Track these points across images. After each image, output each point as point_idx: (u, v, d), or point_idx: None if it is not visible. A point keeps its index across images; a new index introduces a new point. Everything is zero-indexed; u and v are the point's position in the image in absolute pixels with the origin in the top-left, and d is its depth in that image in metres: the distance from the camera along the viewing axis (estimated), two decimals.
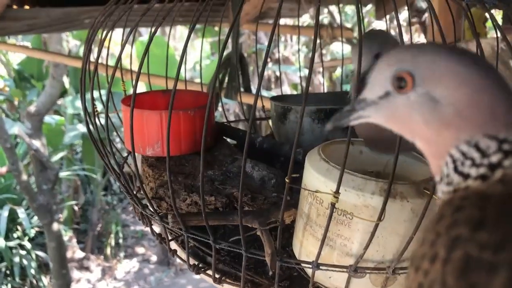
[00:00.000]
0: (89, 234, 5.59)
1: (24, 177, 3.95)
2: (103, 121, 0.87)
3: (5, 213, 4.58)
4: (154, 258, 5.65)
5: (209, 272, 0.74)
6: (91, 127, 0.87)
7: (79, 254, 5.46)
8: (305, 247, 0.68)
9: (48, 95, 4.03)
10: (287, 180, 0.59)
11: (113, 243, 5.65)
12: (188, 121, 0.93)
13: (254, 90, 2.79)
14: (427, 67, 0.41)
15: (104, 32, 0.87)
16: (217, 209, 0.75)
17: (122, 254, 5.67)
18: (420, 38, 5.56)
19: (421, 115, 0.41)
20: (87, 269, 5.41)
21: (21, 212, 4.70)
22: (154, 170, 0.90)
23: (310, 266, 0.63)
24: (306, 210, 0.69)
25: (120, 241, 5.77)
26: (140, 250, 5.84)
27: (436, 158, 0.43)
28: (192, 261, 0.75)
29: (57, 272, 4.18)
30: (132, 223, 6.26)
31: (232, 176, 0.88)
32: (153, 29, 0.74)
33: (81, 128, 5.33)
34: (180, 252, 0.79)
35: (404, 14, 5.24)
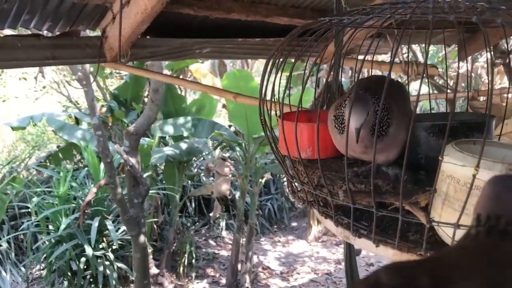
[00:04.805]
0: (165, 252, 5.89)
1: (119, 190, 4.33)
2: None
3: (96, 223, 5.00)
4: (223, 280, 5.84)
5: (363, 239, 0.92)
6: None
7: (154, 270, 5.75)
8: (444, 217, 0.85)
9: (146, 117, 4.44)
10: (440, 158, 0.78)
11: (186, 262, 5.91)
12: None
13: None
14: None
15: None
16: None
17: (193, 274, 5.91)
18: (502, 81, 5.52)
19: None
20: (160, 285, 5.68)
21: (109, 224, 5.09)
22: (307, 169, 1.12)
23: (453, 226, 0.79)
24: (445, 189, 0.87)
25: (193, 261, 6.02)
26: (210, 272, 6.06)
27: None
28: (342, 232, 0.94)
29: (139, 282, 4.47)
30: (204, 245, 6.52)
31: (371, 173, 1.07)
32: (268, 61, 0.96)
33: (166, 150, 5.73)
34: (338, 230, 0.98)
35: (486, 56, 5.26)
